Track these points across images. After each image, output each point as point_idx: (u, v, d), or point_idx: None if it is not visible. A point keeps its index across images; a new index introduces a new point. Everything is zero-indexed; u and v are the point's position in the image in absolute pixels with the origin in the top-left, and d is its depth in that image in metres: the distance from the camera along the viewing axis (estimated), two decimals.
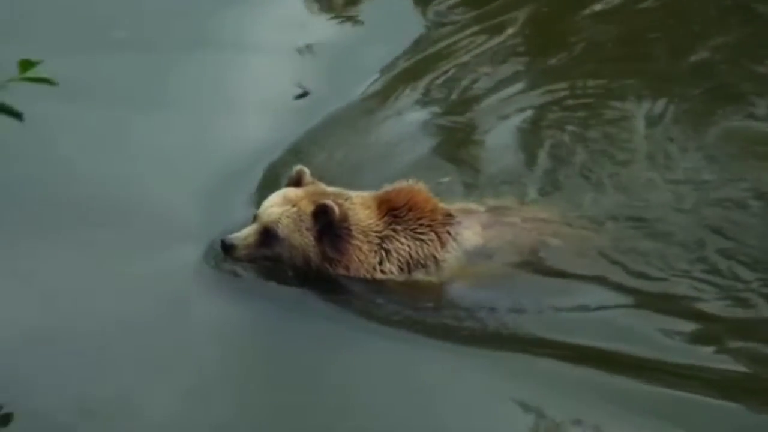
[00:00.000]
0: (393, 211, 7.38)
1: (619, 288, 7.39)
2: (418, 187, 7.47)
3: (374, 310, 7.24)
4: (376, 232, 7.33)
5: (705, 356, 6.91)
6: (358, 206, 7.34)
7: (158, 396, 6.55)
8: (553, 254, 7.50)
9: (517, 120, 9.23)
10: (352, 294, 7.32)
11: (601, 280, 7.43)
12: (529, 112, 9.34)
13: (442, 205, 7.52)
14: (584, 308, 7.25)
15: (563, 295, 7.34)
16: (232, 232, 7.32)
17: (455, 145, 9.01)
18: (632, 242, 7.66)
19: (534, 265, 7.47)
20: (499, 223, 7.53)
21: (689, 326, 7.15)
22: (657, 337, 7.05)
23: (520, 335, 7.06)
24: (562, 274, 7.48)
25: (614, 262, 7.51)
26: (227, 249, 7.18)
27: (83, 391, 6.61)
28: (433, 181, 7.91)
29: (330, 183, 7.62)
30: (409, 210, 7.37)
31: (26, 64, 4.99)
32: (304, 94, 9.46)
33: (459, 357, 6.92)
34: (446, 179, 8.38)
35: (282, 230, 7.19)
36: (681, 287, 7.38)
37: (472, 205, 7.71)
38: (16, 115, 5.12)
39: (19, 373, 6.61)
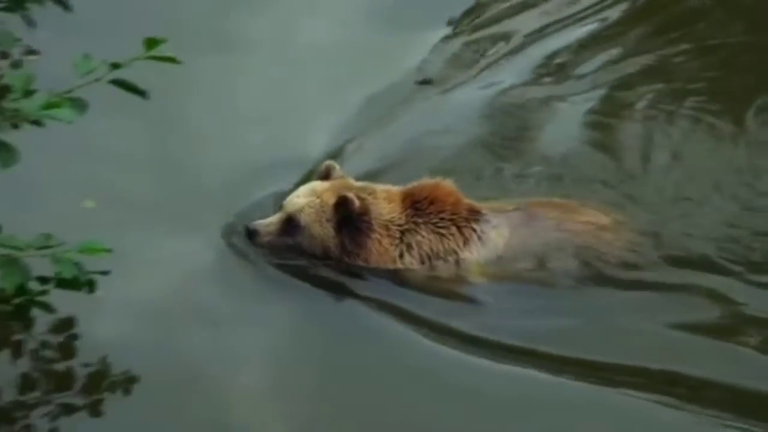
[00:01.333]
0: (415, 204, 7.45)
1: (654, 304, 7.33)
2: (443, 182, 7.52)
3: (391, 302, 7.31)
4: (398, 225, 7.41)
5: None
6: (382, 200, 7.43)
7: None
8: (583, 261, 7.46)
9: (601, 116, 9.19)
10: (369, 286, 7.42)
11: (629, 296, 7.39)
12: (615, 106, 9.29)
13: (468, 200, 7.54)
14: (598, 322, 7.24)
15: (581, 305, 7.34)
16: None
17: (535, 136, 8.99)
18: (681, 256, 7.59)
19: (560, 271, 7.45)
20: (529, 224, 7.52)
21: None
22: (673, 354, 7.00)
23: (529, 344, 7.02)
24: (587, 283, 7.43)
25: (653, 281, 7.44)
26: (250, 235, 7.37)
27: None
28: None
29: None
30: (431, 203, 7.43)
31: (151, 42, 5.05)
32: (426, 81, 9.54)
33: (473, 356, 6.95)
34: (535, 169, 8.39)
35: (304, 219, 7.34)
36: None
37: (505, 203, 7.68)
38: (141, 92, 5.19)
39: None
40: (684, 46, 10.04)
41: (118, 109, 5.31)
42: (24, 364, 6.62)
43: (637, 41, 10.16)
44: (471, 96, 9.43)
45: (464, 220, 7.39)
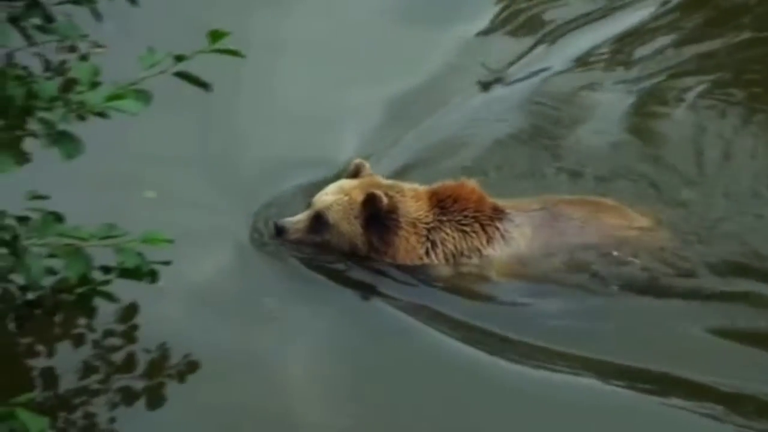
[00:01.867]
0: (440, 203, 7.50)
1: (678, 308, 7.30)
2: (467, 181, 7.57)
3: (417, 301, 7.37)
4: (424, 223, 7.47)
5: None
6: (409, 198, 7.49)
7: None
8: (607, 262, 7.46)
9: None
10: (396, 283, 7.47)
11: (654, 300, 7.36)
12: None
13: (491, 199, 7.57)
14: (619, 324, 7.24)
15: (603, 307, 7.34)
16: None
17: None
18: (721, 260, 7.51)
19: (582, 272, 7.45)
20: (552, 225, 7.54)
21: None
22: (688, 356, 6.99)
23: (551, 344, 7.05)
24: (610, 285, 7.42)
25: (682, 286, 7.39)
26: (279, 232, 7.46)
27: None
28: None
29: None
30: (454, 201, 7.49)
31: (216, 35, 5.08)
32: (495, 79, 9.53)
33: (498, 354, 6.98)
34: (580, 166, 8.35)
35: (332, 217, 7.42)
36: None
37: (531, 202, 7.69)
38: (204, 85, 5.21)
39: None
40: (735, 38, 9.93)
41: (168, 103, 5.33)
42: (85, 352, 6.71)
43: (687, 31, 10.11)
44: (515, 89, 9.44)
45: (488, 219, 7.45)
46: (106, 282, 5.55)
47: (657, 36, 10.08)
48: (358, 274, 7.49)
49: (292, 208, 7.77)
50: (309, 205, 7.51)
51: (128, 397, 6.51)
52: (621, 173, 8.32)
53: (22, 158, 4.98)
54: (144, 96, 5.00)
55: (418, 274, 7.42)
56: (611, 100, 9.23)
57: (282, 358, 6.88)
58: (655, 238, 7.51)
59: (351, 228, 7.37)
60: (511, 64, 9.80)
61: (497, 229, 7.44)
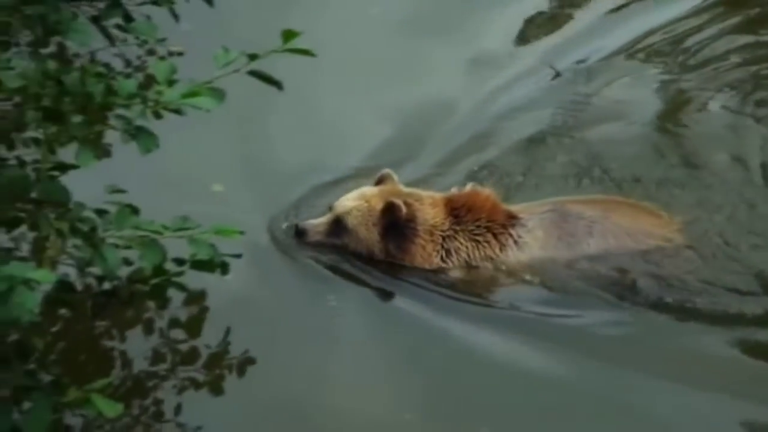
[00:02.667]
0: (455, 211, 7.56)
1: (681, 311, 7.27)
2: (480, 190, 7.63)
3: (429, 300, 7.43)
4: (441, 231, 7.53)
5: None
6: (427, 206, 7.55)
7: None
8: (615, 263, 7.47)
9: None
10: (411, 283, 7.53)
11: (653, 303, 7.32)
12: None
13: (504, 207, 7.61)
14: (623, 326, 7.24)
15: (613, 311, 7.34)
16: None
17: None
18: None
19: (592, 273, 7.47)
20: (561, 226, 7.56)
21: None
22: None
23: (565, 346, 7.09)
24: (618, 287, 7.43)
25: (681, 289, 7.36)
26: (299, 234, 7.57)
27: None
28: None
29: None
30: (468, 211, 7.54)
31: (289, 35, 5.19)
32: (557, 75, 9.57)
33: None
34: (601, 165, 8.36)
35: (351, 222, 7.51)
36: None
37: (540, 204, 7.72)
38: (276, 83, 5.33)
39: None
40: None
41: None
42: (154, 339, 6.87)
43: (729, 26, 10.00)
44: (552, 86, 9.42)
45: (500, 227, 7.50)
46: (180, 273, 5.69)
47: (699, 30, 9.96)
48: (403, 276, 7.54)
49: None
50: (330, 209, 7.60)
51: (193, 385, 6.65)
52: (655, 176, 8.26)
53: (101, 152, 5.11)
54: (218, 93, 5.12)
55: (435, 278, 7.49)
56: (648, 97, 9.16)
57: (335, 354, 6.98)
58: (667, 238, 7.50)
59: (369, 234, 7.48)
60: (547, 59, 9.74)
61: (510, 235, 7.49)
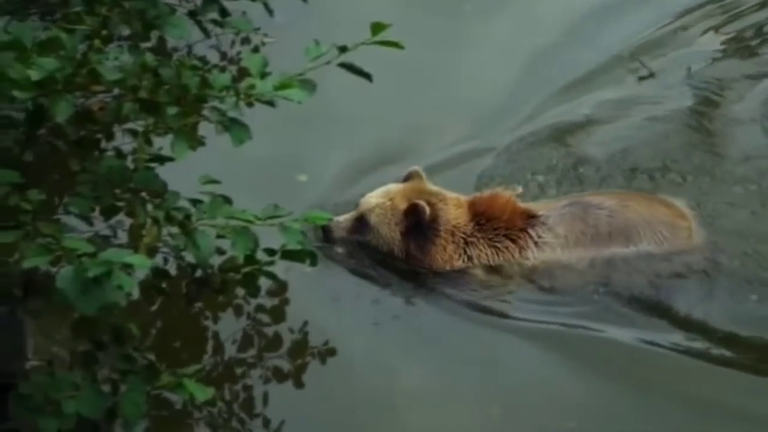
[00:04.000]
0: (476, 216, 7.49)
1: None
2: (500, 194, 7.55)
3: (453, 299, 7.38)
4: (463, 234, 7.45)
5: None
6: (452, 207, 7.47)
7: None
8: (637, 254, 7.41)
9: None
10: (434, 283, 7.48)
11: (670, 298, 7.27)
12: None
13: (523, 207, 7.53)
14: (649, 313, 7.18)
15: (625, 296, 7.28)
16: None
17: None
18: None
19: (615, 266, 7.40)
20: (583, 218, 7.48)
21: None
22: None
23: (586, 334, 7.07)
24: (641, 278, 7.35)
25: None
26: (325, 231, 7.49)
27: None
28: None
29: None
30: (488, 220, 7.46)
31: (377, 27, 5.24)
32: (649, 75, 9.52)
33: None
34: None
35: (373, 219, 7.42)
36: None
37: (560, 200, 7.69)
38: (366, 75, 5.39)
39: None
40: None
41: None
42: (245, 326, 7.00)
43: None
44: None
45: (519, 231, 7.41)
46: (271, 263, 5.78)
47: None
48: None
49: None
50: (356, 205, 7.58)
51: (277, 373, 6.76)
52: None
53: (196, 143, 5.22)
54: (309, 85, 5.19)
55: (457, 278, 7.45)
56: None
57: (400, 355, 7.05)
58: (682, 227, 7.46)
59: (390, 233, 7.41)
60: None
61: (530, 237, 7.41)
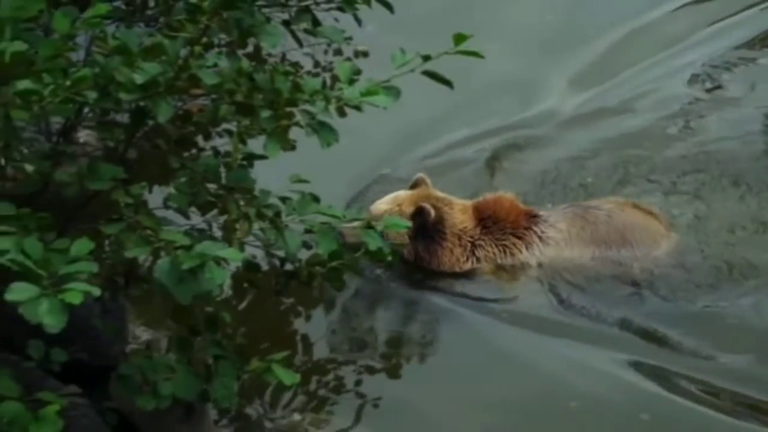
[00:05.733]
0: (482, 221, 7.61)
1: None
2: (503, 196, 7.70)
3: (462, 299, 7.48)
4: (469, 237, 7.58)
5: None
6: (458, 212, 7.60)
7: None
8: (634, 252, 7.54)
9: None
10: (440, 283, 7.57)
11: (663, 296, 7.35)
12: None
13: (526, 208, 7.69)
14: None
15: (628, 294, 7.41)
16: None
17: None
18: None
19: (614, 259, 7.55)
20: (583, 216, 7.66)
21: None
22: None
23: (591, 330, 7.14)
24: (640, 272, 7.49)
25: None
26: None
27: None
28: None
29: None
30: (494, 222, 7.60)
31: (459, 38, 5.34)
32: (717, 87, 9.49)
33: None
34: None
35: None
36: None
37: (557, 205, 7.86)
38: (448, 83, 5.48)
39: None
40: None
41: None
42: (331, 317, 7.15)
43: None
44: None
45: (523, 229, 7.56)
46: (355, 260, 5.91)
47: None
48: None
49: None
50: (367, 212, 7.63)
51: (370, 371, 6.88)
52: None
53: (287, 144, 5.36)
54: (393, 91, 5.31)
55: (465, 277, 7.58)
56: None
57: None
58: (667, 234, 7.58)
59: (399, 237, 7.47)
60: None
61: (535, 233, 7.58)
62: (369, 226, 5.59)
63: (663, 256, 7.58)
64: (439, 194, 7.71)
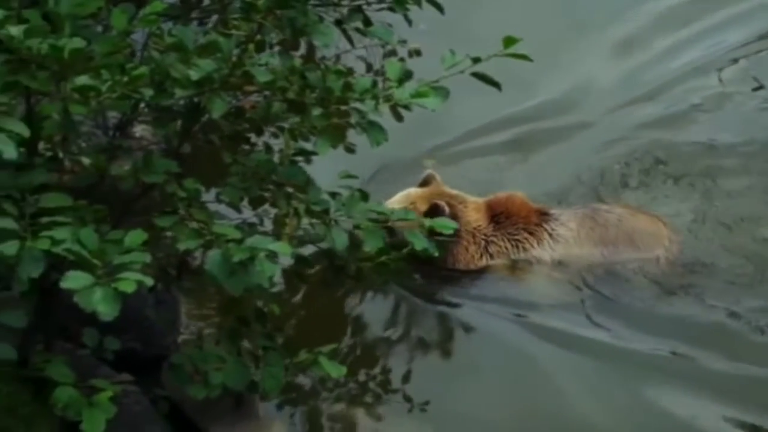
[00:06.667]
0: (495, 217, 7.58)
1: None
2: (515, 194, 7.69)
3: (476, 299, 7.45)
4: (483, 235, 7.55)
5: None
6: (471, 209, 7.55)
7: None
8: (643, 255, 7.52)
9: None
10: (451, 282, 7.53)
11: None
12: None
13: (537, 206, 7.68)
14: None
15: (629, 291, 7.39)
16: None
17: None
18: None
19: (623, 258, 7.53)
20: (593, 217, 7.65)
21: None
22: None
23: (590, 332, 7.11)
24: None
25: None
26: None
27: None
28: None
29: None
30: (507, 217, 7.56)
31: (509, 41, 5.31)
32: (760, 87, 9.39)
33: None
34: None
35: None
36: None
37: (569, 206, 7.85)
38: (496, 85, 5.46)
39: None
40: None
41: None
42: (380, 310, 7.17)
43: None
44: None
45: (535, 225, 7.55)
46: (401, 257, 5.90)
47: None
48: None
49: None
50: None
51: (415, 356, 6.90)
52: None
53: (338, 142, 5.37)
54: (443, 93, 5.29)
55: (478, 276, 7.55)
56: None
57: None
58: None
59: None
60: None
61: (545, 230, 7.58)
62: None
63: (668, 262, 7.55)
64: (452, 191, 7.70)
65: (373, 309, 7.24)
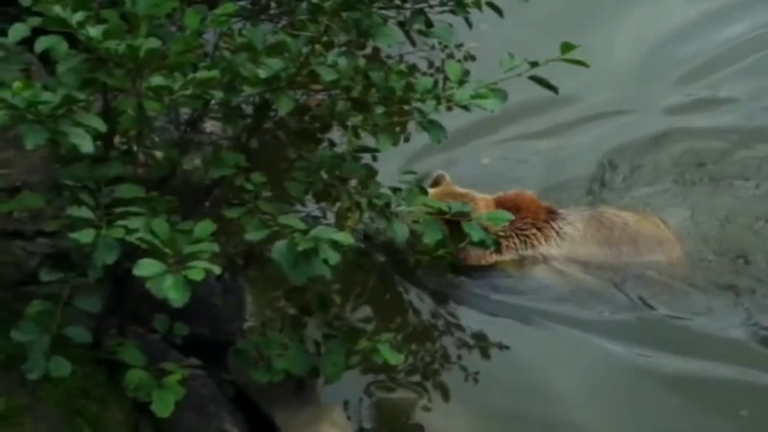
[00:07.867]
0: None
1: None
2: (523, 192, 7.66)
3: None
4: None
5: None
6: (482, 207, 7.38)
7: None
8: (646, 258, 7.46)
9: None
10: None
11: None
12: None
13: (545, 204, 7.64)
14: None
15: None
16: None
17: None
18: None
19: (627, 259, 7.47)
20: (599, 219, 7.61)
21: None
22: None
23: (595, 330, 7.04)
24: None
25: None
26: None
27: None
28: None
29: None
30: (516, 212, 7.35)
31: (567, 47, 5.32)
32: None
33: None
34: None
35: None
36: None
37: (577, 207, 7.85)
38: (553, 88, 5.46)
39: None
40: None
41: None
42: (438, 301, 7.18)
43: None
44: None
45: (543, 222, 7.52)
46: (459, 249, 5.93)
47: None
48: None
49: None
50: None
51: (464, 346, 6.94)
52: None
53: (396, 139, 5.41)
54: (501, 94, 5.30)
55: (488, 274, 7.49)
56: None
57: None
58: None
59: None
60: None
61: (552, 228, 7.55)
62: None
63: (669, 264, 7.50)
64: (461, 190, 7.66)
65: (428, 297, 7.26)
